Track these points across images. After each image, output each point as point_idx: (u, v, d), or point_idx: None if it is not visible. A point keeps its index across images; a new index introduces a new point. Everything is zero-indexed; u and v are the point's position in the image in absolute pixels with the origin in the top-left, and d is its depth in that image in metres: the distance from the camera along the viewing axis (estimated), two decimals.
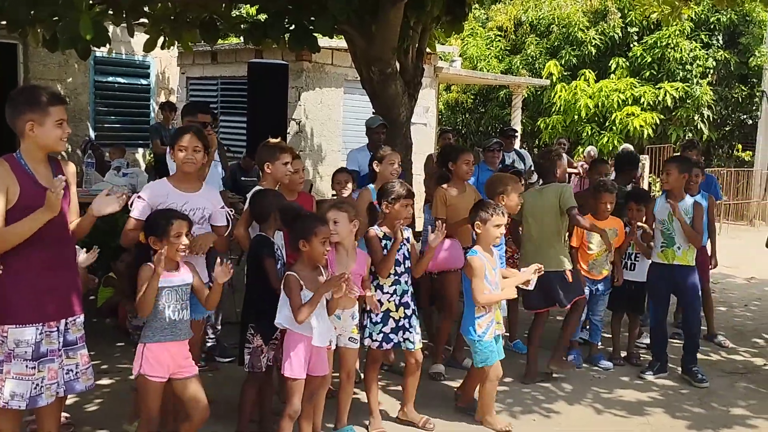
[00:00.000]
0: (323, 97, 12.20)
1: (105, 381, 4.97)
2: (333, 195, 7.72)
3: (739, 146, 17.33)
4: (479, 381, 4.36)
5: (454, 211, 5.13)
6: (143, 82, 11.37)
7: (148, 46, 7.52)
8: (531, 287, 4.46)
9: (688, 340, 5.43)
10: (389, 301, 4.18)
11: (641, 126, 15.50)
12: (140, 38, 7.47)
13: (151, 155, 10.98)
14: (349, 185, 5.35)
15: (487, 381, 4.28)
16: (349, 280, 3.66)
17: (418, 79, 8.04)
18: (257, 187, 4.51)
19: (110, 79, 10.91)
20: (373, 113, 8.00)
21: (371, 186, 5.24)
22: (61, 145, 3.18)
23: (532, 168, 8.94)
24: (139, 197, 3.69)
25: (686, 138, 16.23)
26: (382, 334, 4.16)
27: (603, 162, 7.59)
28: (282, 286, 3.60)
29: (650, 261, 5.50)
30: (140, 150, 11.22)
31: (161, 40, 7.61)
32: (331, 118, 12.36)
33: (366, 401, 4.32)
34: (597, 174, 6.89)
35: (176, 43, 7.85)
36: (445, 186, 5.30)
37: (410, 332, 4.21)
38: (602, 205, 5.55)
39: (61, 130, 3.13)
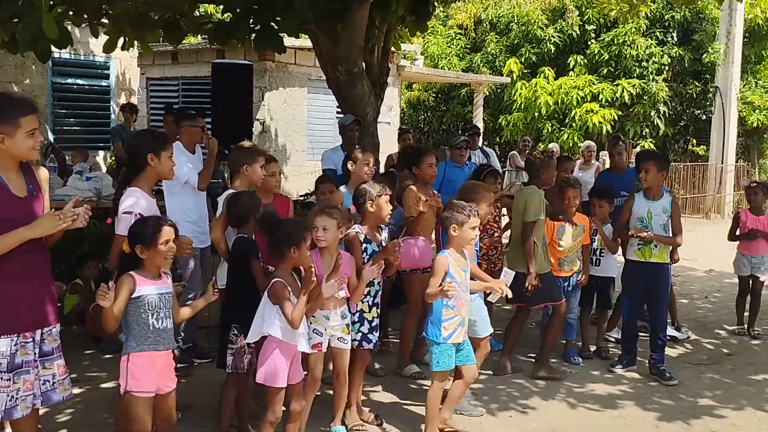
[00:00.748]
0: (287, 97, 12.14)
1: (75, 390, 4.85)
2: (302, 197, 7.69)
3: (694, 141, 17.76)
4: (438, 383, 4.16)
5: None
6: (103, 83, 11.17)
7: (108, 47, 7.39)
8: (502, 294, 4.45)
9: (654, 338, 5.47)
10: (363, 302, 4.21)
11: (600, 122, 15.78)
12: (99, 39, 7.33)
13: (112, 158, 10.80)
14: (332, 194, 5.29)
15: (436, 387, 4.11)
16: (341, 280, 3.71)
17: (384, 79, 8.05)
18: (230, 191, 4.48)
19: (69, 80, 10.70)
20: (338, 112, 8.00)
21: (344, 188, 5.25)
22: (34, 154, 3.12)
23: (495, 166, 9.05)
24: (137, 214, 3.50)
25: (643, 133, 16.64)
26: (360, 334, 4.20)
27: (567, 159, 7.73)
28: (267, 294, 3.58)
29: (626, 258, 5.57)
30: (101, 153, 11.02)
31: (121, 40, 7.49)
32: (295, 117, 12.32)
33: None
34: (562, 171, 7.00)
35: (136, 43, 7.74)
36: (413, 187, 5.32)
37: (378, 330, 4.31)
38: (567, 201, 5.63)
39: (33, 140, 3.07)
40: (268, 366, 3.59)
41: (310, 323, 3.87)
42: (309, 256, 3.69)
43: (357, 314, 4.21)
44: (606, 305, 6.02)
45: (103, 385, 5.01)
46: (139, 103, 11.59)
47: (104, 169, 10.56)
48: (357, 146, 6.14)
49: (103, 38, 7.25)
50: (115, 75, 11.29)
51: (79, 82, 10.84)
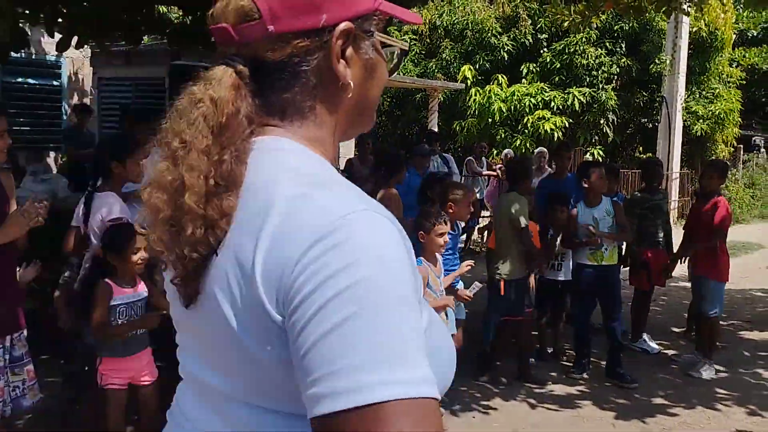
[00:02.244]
0: None
1: None
2: None
3: (640, 148, 18.27)
4: None
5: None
6: (54, 83, 10.93)
7: (62, 46, 7.25)
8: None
9: (613, 341, 5.59)
10: None
11: (552, 129, 16.07)
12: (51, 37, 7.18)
13: (64, 159, 10.59)
14: None
15: None
16: None
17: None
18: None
19: (19, 79, 10.43)
20: None
21: None
22: (2, 156, 3.10)
23: (454, 171, 9.19)
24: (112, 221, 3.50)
25: (593, 140, 17.04)
26: None
27: None
28: None
29: (578, 263, 5.70)
30: (52, 154, 10.78)
31: (75, 39, 7.36)
32: None
33: None
34: None
35: (89, 41, 7.62)
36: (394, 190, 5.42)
37: None
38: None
39: (3, 141, 3.04)
40: None
41: None
42: None
43: None
44: (563, 308, 6.19)
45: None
46: (90, 104, 11.37)
47: (55, 170, 10.34)
48: None
49: (56, 36, 7.12)
50: (67, 75, 11.06)
51: (30, 81, 10.58)
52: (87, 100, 11.27)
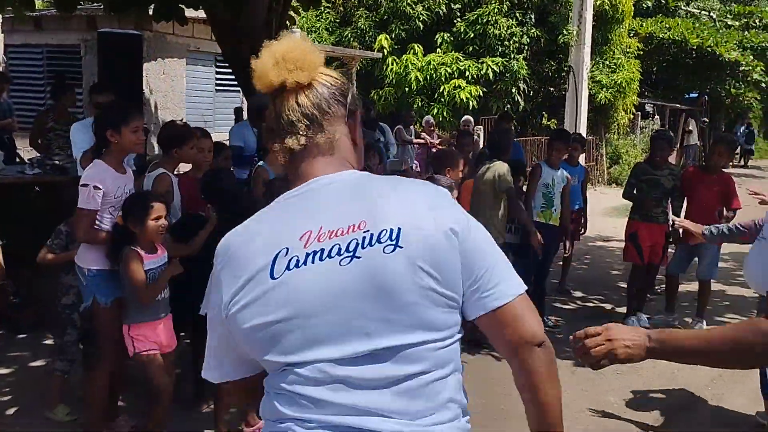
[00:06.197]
0: (166, 68, 11.78)
1: (2, 371, 4.76)
2: None
3: (546, 116, 19.07)
4: None
5: None
6: None
7: None
8: None
9: (538, 292, 5.85)
10: None
11: (467, 98, 16.53)
12: None
13: None
14: None
15: None
16: None
17: None
18: (160, 170, 4.40)
19: None
20: (217, 85, 7.89)
21: (262, 163, 5.32)
22: None
23: (390, 141, 9.37)
24: (95, 187, 3.42)
25: (505, 109, 17.64)
26: None
27: (468, 134, 8.20)
28: None
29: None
30: None
31: None
32: (174, 89, 11.98)
33: None
34: (465, 145, 7.47)
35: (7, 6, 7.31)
36: None
37: None
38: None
39: None
40: None
41: None
42: None
43: None
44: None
45: (32, 364, 4.88)
46: None
47: None
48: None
49: None
50: None
51: None
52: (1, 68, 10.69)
